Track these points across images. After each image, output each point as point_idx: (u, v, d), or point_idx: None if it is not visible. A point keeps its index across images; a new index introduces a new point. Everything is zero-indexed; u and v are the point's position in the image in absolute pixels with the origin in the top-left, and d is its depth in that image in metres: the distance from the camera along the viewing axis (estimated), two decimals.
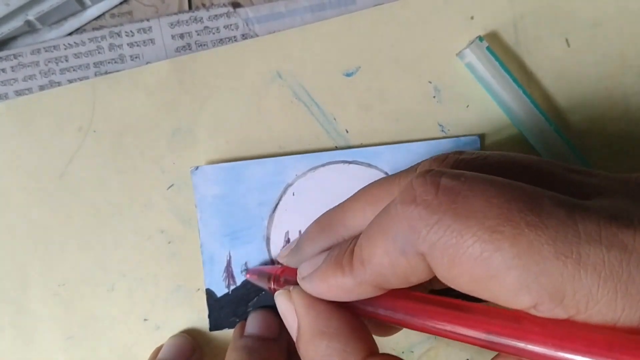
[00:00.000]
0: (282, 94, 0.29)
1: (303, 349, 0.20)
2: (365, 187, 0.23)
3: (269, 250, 0.28)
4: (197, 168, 0.28)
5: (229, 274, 0.28)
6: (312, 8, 0.29)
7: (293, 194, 0.28)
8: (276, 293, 0.22)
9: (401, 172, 0.22)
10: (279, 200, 0.28)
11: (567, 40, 0.29)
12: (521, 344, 0.16)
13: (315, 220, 0.24)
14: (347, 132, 0.29)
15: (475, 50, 0.27)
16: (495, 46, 0.28)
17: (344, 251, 0.20)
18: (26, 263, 0.29)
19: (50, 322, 0.29)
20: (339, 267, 0.19)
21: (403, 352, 0.28)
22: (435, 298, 0.19)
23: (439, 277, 0.17)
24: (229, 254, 0.28)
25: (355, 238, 0.20)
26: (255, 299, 0.28)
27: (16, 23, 0.29)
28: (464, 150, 0.22)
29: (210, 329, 0.28)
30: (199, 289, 0.29)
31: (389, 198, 0.20)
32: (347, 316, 0.20)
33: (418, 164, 0.22)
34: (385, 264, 0.18)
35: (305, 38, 0.29)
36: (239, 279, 0.28)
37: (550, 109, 0.28)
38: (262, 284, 0.26)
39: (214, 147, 0.29)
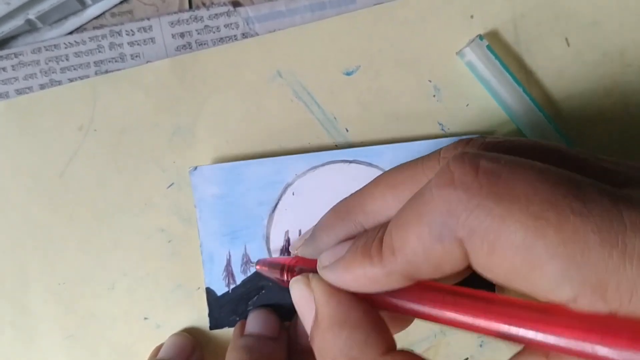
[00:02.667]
0: (282, 93, 0.29)
1: (319, 339, 0.19)
2: (385, 172, 0.22)
3: (268, 250, 0.28)
4: (195, 168, 0.28)
5: (229, 272, 0.28)
6: (312, 7, 0.29)
7: (293, 194, 0.28)
8: (293, 279, 0.21)
9: (423, 156, 0.21)
10: (279, 199, 0.28)
11: (566, 39, 0.29)
12: (560, 340, 0.15)
13: (331, 208, 0.23)
14: (347, 131, 0.29)
15: (475, 49, 0.27)
16: (495, 45, 0.28)
17: (372, 239, 0.19)
18: (26, 263, 0.29)
19: (50, 322, 0.29)
20: (366, 256, 0.18)
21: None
22: (465, 290, 0.17)
23: (475, 265, 0.16)
24: (229, 253, 0.28)
25: (383, 226, 0.18)
26: (256, 297, 0.28)
27: (17, 22, 0.29)
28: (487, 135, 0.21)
29: (211, 328, 0.28)
30: (199, 288, 0.29)
31: (412, 182, 0.19)
32: (368, 308, 0.19)
33: (440, 149, 0.21)
34: (419, 251, 0.17)
35: (306, 37, 0.29)
36: (239, 277, 0.28)
37: (550, 108, 0.28)
38: (273, 275, 0.25)
39: (214, 147, 0.29)
